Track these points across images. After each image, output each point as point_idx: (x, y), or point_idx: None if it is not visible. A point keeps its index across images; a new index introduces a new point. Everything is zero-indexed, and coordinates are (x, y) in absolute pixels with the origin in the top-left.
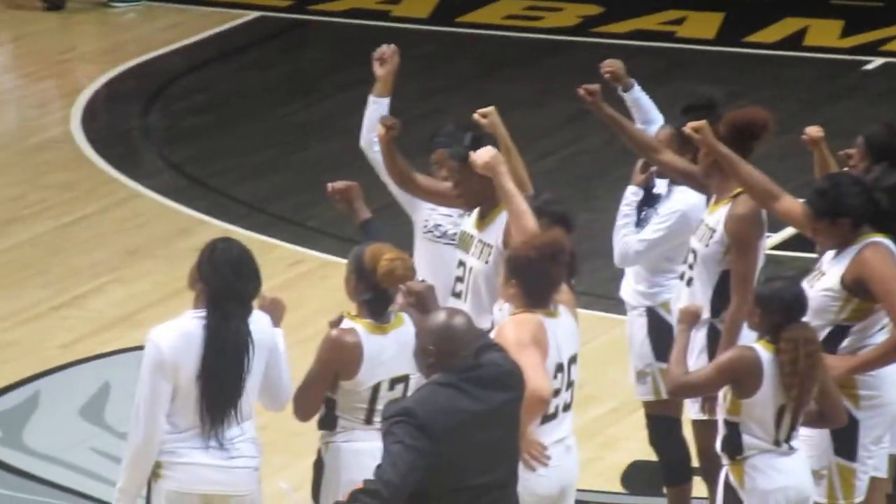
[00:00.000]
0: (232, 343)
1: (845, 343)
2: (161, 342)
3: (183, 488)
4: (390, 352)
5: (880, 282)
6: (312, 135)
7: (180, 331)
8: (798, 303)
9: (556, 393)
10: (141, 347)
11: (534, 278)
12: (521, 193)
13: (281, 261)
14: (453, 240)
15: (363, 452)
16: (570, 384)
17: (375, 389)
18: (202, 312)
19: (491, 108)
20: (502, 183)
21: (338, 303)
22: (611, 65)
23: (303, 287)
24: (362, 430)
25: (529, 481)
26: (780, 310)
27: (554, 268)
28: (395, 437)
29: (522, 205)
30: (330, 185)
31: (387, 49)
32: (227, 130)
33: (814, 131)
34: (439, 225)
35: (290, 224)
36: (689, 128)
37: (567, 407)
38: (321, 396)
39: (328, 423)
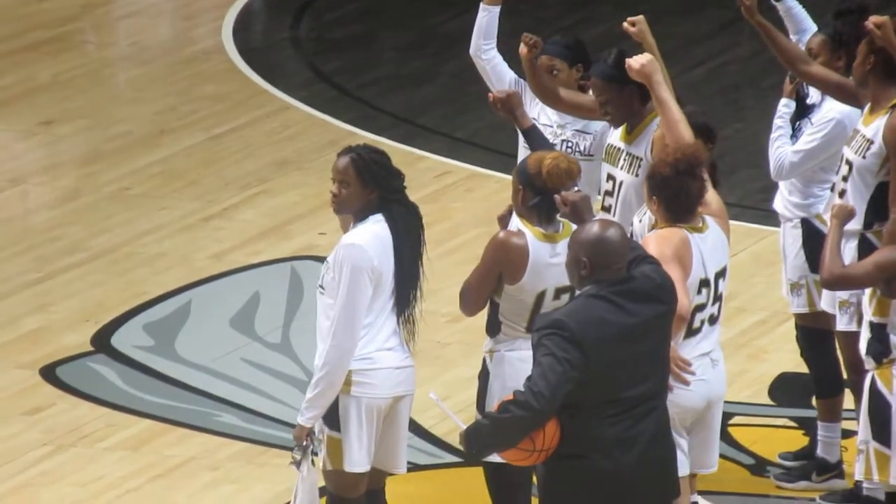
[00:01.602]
0: (407, 243)
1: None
2: (365, 244)
3: (379, 394)
4: (558, 260)
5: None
6: (461, 45)
7: (374, 234)
8: None
9: (702, 307)
10: (290, 258)
11: (672, 194)
12: None
13: (428, 172)
14: (588, 155)
15: (528, 361)
16: (717, 298)
17: (540, 297)
18: (380, 216)
19: (640, 17)
20: (657, 91)
21: (483, 214)
22: None
23: (449, 199)
24: (525, 339)
25: (673, 394)
26: None
27: (691, 182)
28: (545, 348)
29: (677, 113)
30: (491, 94)
31: None
32: (376, 41)
33: None
34: (567, 140)
35: (438, 135)
36: (870, 22)
37: (714, 320)
38: (485, 295)
39: (493, 328)
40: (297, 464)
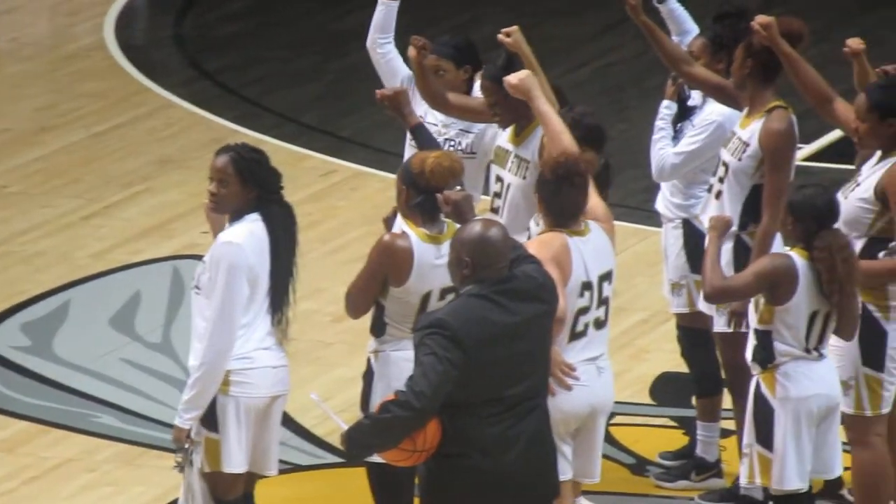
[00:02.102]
0: (284, 243)
1: (881, 257)
2: (242, 243)
3: (257, 393)
4: (442, 262)
5: None
6: (347, 43)
7: (251, 233)
8: (830, 209)
9: (585, 310)
10: (173, 257)
11: (551, 198)
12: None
13: (313, 171)
14: (470, 153)
15: (413, 361)
16: (602, 301)
17: (426, 298)
18: (256, 215)
19: (514, 28)
20: (537, 105)
21: (367, 213)
22: None
23: (334, 198)
24: (410, 340)
25: (557, 397)
26: (813, 216)
27: (569, 189)
28: (427, 348)
29: (559, 125)
30: (379, 92)
31: None
32: (260, 39)
33: (855, 43)
34: (450, 139)
35: (322, 134)
36: (756, 23)
37: (600, 324)
38: (371, 298)
39: (378, 329)
40: (181, 467)
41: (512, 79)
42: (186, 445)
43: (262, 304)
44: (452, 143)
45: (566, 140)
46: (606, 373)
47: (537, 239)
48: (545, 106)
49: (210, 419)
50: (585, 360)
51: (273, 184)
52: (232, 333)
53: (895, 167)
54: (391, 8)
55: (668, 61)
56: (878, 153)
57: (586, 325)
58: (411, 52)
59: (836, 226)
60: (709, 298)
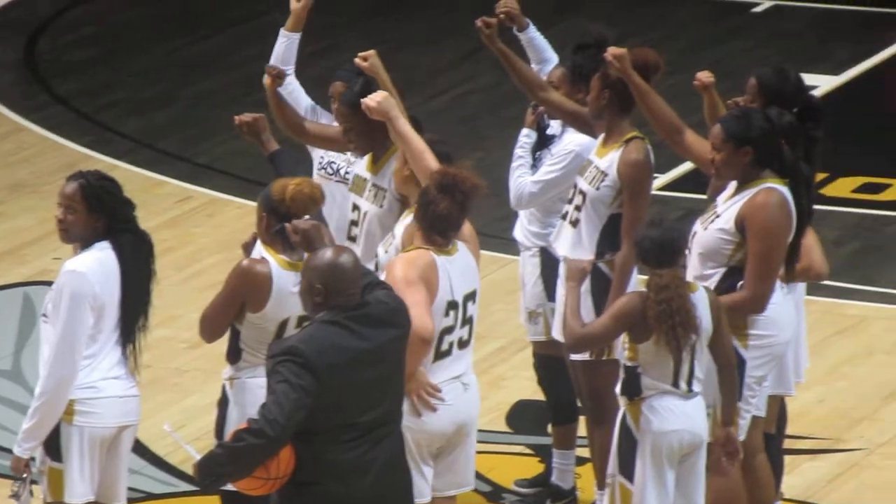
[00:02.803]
0: (135, 272)
1: (739, 287)
2: (87, 271)
3: (103, 423)
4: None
5: (757, 232)
6: (201, 69)
7: (98, 261)
8: (659, 250)
9: (450, 329)
10: (24, 284)
11: (431, 209)
12: None
13: (169, 197)
14: (345, 179)
15: None
16: (466, 321)
17: (283, 325)
18: (106, 244)
19: (371, 52)
20: (397, 126)
21: (224, 240)
22: (506, 4)
23: (190, 224)
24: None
25: (421, 418)
26: (641, 257)
27: (450, 203)
28: (280, 375)
29: (420, 144)
30: (237, 118)
31: None
32: (115, 65)
33: (705, 76)
34: (333, 162)
35: (178, 160)
36: (609, 55)
37: (464, 344)
38: (226, 322)
39: (233, 355)
40: (17, 496)
41: (370, 101)
42: (24, 475)
43: (110, 333)
44: (334, 165)
45: (428, 159)
46: (472, 388)
47: (404, 256)
48: (405, 126)
49: (54, 448)
50: (451, 379)
51: (123, 212)
52: (74, 363)
53: (755, 199)
54: (292, 40)
55: (525, 87)
56: (734, 184)
57: (451, 344)
58: (266, 80)
59: (689, 257)
60: (570, 348)
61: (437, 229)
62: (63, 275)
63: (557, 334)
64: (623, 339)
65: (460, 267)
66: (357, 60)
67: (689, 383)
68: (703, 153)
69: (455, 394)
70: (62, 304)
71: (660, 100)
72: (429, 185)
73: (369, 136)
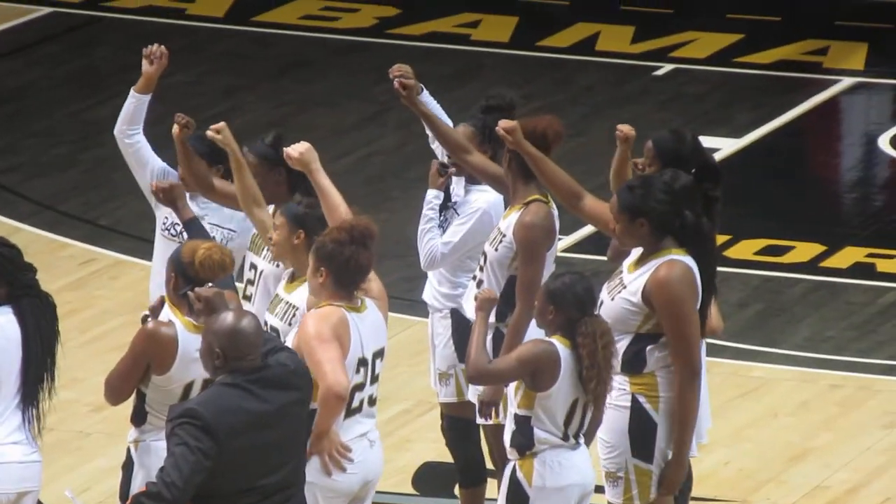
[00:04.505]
0: (37, 338)
1: (653, 352)
2: None
3: (3, 489)
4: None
5: (665, 310)
6: (104, 132)
7: None
8: (590, 296)
9: (361, 386)
10: None
11: (343, 262)
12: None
13: (72, 259)
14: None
15: None
16: (374, 378)
17: (188, 388)
18: (7, 309)
19: (222, 124)
20: (317, 178)
21: (127, 302)
22: (399, 69)
23: (93, 287)
24: None
25: (331, 480)
26: (573, 303)
27: (363, 252)
28: (178, 438)
29: (337, 198)
30: (153, 184)
31: (156, 48)
32: (16, 127)
33: (627, 128)
34: (177, 223)
35: (81, 222)
36: (500, 128)
37: (373, 401)
38: (132, 384)
39: (138, 418)
40: None
41: (293, 151)
42: None
43: (10, 398)
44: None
45: (343, 212)
46: (377, 444)
47: (315, 312)
48: (325, 180)
49: None
50: (358, 436)
51: (22, 279)
52: None
53: (658, 274)
54: (142, 101)
55: (448, 148)
56: (639, 250)
57: (362, 402)
58: (175, 129)
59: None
60: (472, 380)
61: (351, 280)
62: None
63: (472, 396)
64: (515, 389)
65: (370, 324)
66: (210, 133)
67: (577, 436)
68: (603, 216)
69: (362, 450)
70: None
71: (555, 168)
72: (338, 238)
73: (273, 187)
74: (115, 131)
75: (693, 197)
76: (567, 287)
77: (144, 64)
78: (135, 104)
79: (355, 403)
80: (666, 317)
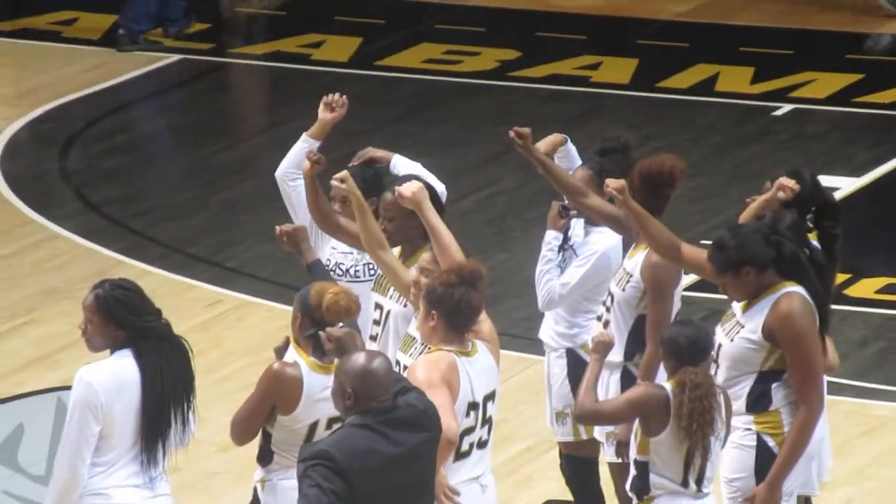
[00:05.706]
0: (158, 381)
1: (778, 389)
2: (94, 381)
3: None
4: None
5: (792, 343)
6: (231, 176)
7: (112, 371)
8: (693, 347)
9: (471, 430)
10: (57, 388)
11: (454, 305)
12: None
13: (198, 301)
14: (355, 277)
15: None
16: (486, 422)
17: (313, 428)
18: (127, 352)
19: (345, 173)
20: (428, 217)
21: (254, 344)
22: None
23: (220, 328)
24: None
25: None
26: (674, 353)
27: (473, 293)
28: (311, 480)
29: (448, 237)
30: (278, 227)
31: (338, 97)
32: (146, 172)
33: (792, 184)
34: (341, 263)
35: (208, 264)
36: (609, 188)
37: (483, 444)
38: (257, 425)
39: (264, 457)
40: None
41: (405, 189)
42: None
43: (128, 441)
44: (341, 266)
45: (455, 253)
46: (490, 489)
47: (425, 358)
48: (436, 219)
49: None
50: (469, 480)
51: (140, 322)
52: (74, 469)
53: (779, 308)
54: (312, 146)
55: (566, 192)
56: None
57: (471, 445)
58: (305, 166)
59: (711, 363)
60: (578, 419)
61: (463, 323)
62: (74, 381)
63: (597, 434)
64: (636, 434)
65: (481, 367)
66: (334, 183)
67: (699, 483)
68: (702, 262)
69: (473, 495)
70: (69, 410)
71: (658, 225)
72: (448, 281)
73: (405, 230)
74: (279, 173)
75: (797, 235)
76: (671, 336)
77: (322, 110)
78: (305, 148)
79: (465, 447)
80: (792, 350)
